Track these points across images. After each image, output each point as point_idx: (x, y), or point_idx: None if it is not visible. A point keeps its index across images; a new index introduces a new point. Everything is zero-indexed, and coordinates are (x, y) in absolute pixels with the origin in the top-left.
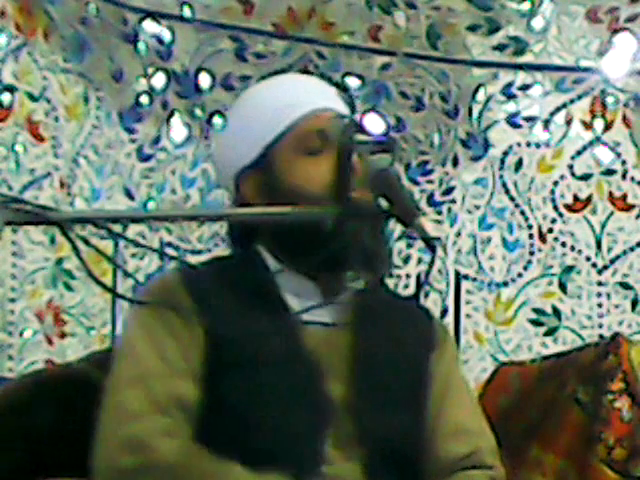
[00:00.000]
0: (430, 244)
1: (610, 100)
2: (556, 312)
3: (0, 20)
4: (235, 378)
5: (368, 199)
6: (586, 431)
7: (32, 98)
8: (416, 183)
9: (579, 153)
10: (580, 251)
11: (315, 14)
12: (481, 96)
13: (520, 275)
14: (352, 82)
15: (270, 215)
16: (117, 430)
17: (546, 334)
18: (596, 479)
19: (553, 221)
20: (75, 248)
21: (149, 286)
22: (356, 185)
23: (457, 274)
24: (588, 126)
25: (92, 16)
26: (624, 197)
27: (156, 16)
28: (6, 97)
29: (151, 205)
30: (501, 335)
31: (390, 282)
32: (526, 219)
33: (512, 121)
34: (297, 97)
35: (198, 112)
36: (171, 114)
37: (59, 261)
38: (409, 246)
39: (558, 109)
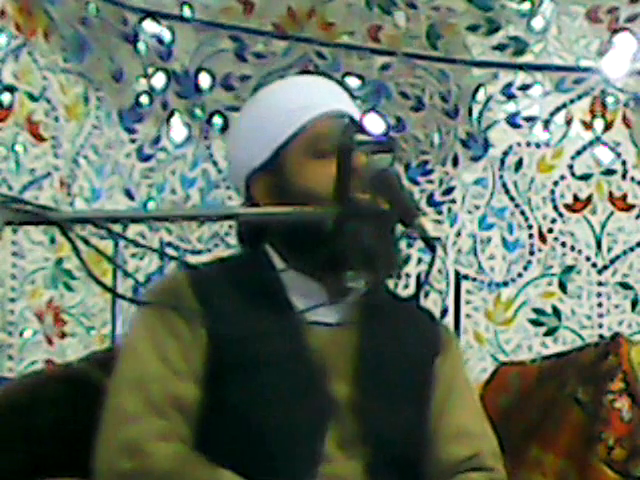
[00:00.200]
0: (430, 244)
1: (610, 100)
2: (556, 312)
3: (0, 20)
4: (238, 378)
5: (369, 199)
6: (586, 431)
7: (32, 98)
8: (416, 183)
9: (579, 153)
10: (580, 251)
11: (315, 14)
12: (481, 96)
13: (520, 275)
14: (352, 82)
15: (271, 215)
16: (116, 432)
17: (546, 334)
18: (596, 479)
19: (553, 221)
20: (75, 248)
21: (154, 286)
22: (359, 185)
23: (457, 274)
24: (588, 126)
25: (92, 16)
26: (624, 197)
27: (156, 16)
28: (6, 97)
29: (151, 205)
30: (501, 335)
31: (390, 282)
32: (526, 219)
33: (512, 121)
34: (310, 99)
35: (198, 112)
36: (171, 114)
37: (59, 261)
38: (409, 246)
39: (558, 109)
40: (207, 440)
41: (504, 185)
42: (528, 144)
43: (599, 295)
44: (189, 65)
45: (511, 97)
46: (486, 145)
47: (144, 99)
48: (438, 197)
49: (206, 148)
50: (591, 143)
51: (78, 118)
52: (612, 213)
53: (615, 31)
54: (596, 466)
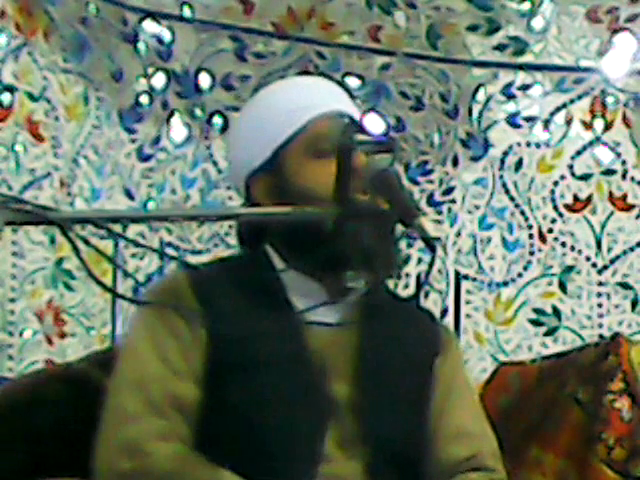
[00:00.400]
0: (430, 244)
1: (610, 100)
2: (556, 312)
3: (0, 20)
4: (238, 378)
5: (369, 199)
6: (586, 431)
7: (32, 98)
8: (416, 183)
9: (579, 153)
10: (580, 251)
11: (315, 14)
12: (481, 96)
13: (520, 275)
14: (352, 82)
15: (271, 215)
16: (116, 432)
17: (546, 334)
18: (596, 479)
19: (553, 221)
20: (75, 248)
21: (154, 286)
22: (359, 186)
23: (457, 274)
24: (588, 126)
25: (92, 16)
26: (624, 197)
27: (156, 16)
28: (6, 97)
29: (151, 205)
30: (501, 335)
31: (390, 282)
32: (526, 219)
33: (512, 121)
34: (310, 99)
35: (198, 112)
36: (171, 114)
37: (59, 261)
38: (409, 246)
39: (558, 109)
40: (207, 440)
41: (504, 185)
42: (528, 144)
43: (599, 295)
44: (189, 65)
45: (511, 97)
46: (486, 145)
47: (144, 99)
48: (438, 197)
49: (206, 148)
50: (591, 143)
51: (78, 118)
52: (612, 213)
53: (615, 31)
54: (596, 466)
